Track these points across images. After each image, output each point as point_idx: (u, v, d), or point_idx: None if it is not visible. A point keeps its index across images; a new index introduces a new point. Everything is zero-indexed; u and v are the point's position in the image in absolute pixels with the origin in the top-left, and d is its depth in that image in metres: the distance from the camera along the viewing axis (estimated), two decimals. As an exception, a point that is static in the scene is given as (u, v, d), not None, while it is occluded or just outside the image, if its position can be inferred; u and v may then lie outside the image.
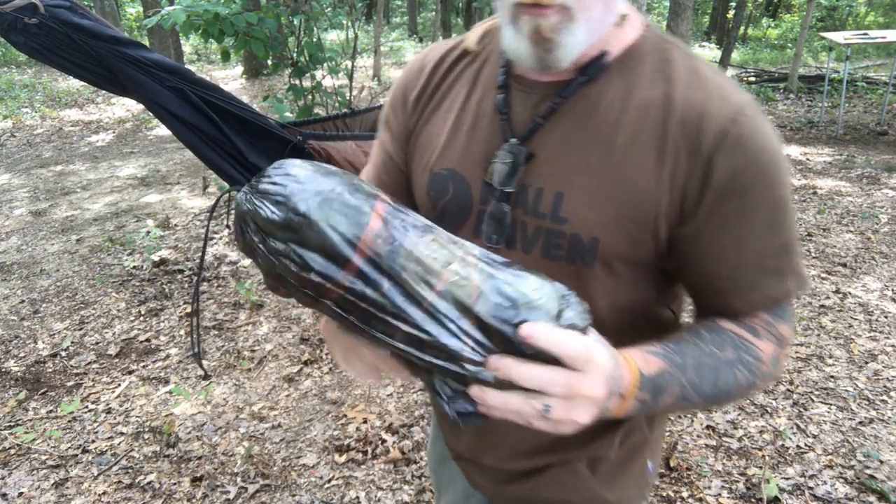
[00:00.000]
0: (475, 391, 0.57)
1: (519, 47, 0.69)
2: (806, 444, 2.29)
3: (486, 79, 0.81)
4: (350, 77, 4.27)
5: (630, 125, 0.70)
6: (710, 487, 2.11)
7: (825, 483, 2.11)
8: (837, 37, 6.79)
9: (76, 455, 2.33)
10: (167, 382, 2.74)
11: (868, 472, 2.14)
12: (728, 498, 2.06)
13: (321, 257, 0.56)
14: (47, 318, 3.31)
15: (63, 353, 2.98)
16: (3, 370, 2.86)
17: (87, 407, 2.60)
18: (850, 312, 3.16)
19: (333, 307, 0.59)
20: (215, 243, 4.16)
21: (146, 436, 2.42)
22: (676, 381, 0.67)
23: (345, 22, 4.64)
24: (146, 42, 9.90)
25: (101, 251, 4.14)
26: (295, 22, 3.86)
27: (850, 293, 3.35)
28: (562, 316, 0.57)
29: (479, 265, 0.59)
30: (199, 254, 3.99)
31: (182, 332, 3.12)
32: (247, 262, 3.80)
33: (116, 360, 2.93)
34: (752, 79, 9.46)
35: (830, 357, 2.81)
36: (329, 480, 2.19)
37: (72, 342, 3.07)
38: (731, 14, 14.32)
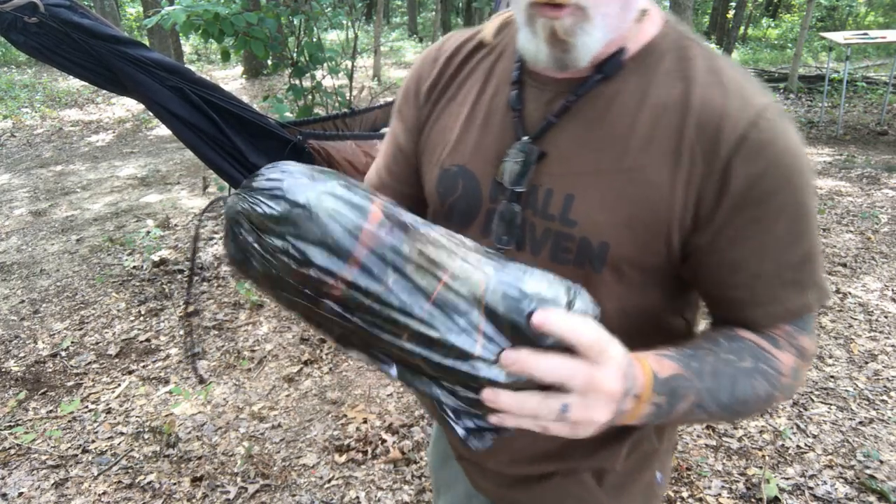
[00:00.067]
0: (488, 394, 0.54)
1: (535, 49, 0.67)
2: (806, 444, 2.29)
3: (500, 73, 0.79)
4: (350, 77, 4.27)
5: (645, 126, 0.68)
6: (710, 487, 2.11)
7: (825, 483, 2.11)
8: (837, 37, 6.78)
9: (76, 455, 2.33)
10: (167, 382, 2.74)
11: (868, 472, 2.14)
12: (728, 498, 2.06)
13: (322, 250, 0.54)
14: (47, 318, 3.31)
15: (63, 353, 2.98)
16: (3, 370, 2.86)
17: (87, 407, 2.60)
18: (850, 312, 3.16)
19: (335, 307, 0.55)
20: (215, 243, 4.16)
21: (146, 436, 2.42)
22: (692, 388, 0.64)
23: (345, 22, 4.64)
24: (146, 42, 9.90)
25: (101, 251, 4.14)
26: (295, 22, 3.86)
27: (850, 293, 3.35)
28: (573, 306, 0.55)
29: (483, 260, 0.58)
30: (199, 254, 3.99)
31: (182, 332, 3.12)
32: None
33: (116, 360, 2.93)
34: (752, 79, 9.44)
35: (830, 357, 2.81)
36: (329, 480, 2.19)
37: (72, 342, 3.07)
38: (731, 14, 14.33)
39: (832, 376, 2.67)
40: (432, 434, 1.17)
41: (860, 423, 2.39)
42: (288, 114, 3.45)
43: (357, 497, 2.11)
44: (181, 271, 3.79)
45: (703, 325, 0.83)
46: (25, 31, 2.18)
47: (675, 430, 0.96)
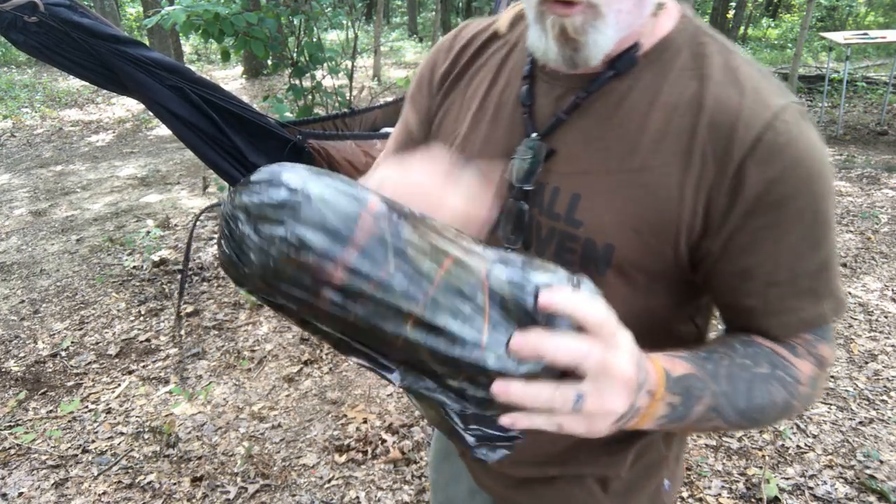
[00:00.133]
0: (498, 385, 0.51)
1: (545, 47, 0.65)
2: (806, 444, 2.29)
3: (512, 67, 0.77)
4: (350, 77, 4.27)
5: (656, 126, 0.66)
6: (710, 487, 2.11)
7: (825, 483, 2.11)
8: (837, 37, 6.78)
9: (76, 455, 2.33)
10: (167, 382, 2.74)
11: (868, 472, 2.14)
12: (728, 498, 2.06)
13: (321, 234, 0.52)
14: (47, 318, 3.31)
15: (63, 353, 2.98)
16: (3, 370, 2.86)
17: (87, 407, 2.60)
18: (850, 312, 3.16)
19: (335, 298, 0.53)
20: (215, 243, 4.16)
21: (146, 436, 2.41)
22: (707, 389, 0.61)
23: (345, 22, 4.64)
24: (146, 42, 9.89)
25: (101, 251, 4.14)
26: (295, 22, 3.86)
27: (849, 293, 3.35)
28: (579, 289, 0.54)
29: (485, 248, 0.57)
30: (199, 254, 3.99)
31: (182, 331, 3.12)
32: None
33: (116, 360, 2.93)
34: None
35: (830, 357, 2.81)
36: (329, 480, 2.19)
37: (72, 342, 3.07)
38: (731, 14, 14.33)
39: (832, 376, 2.67)
40: (435, 431, 1.16)
41: (860, 423, 2.39)
42: (288, 114, 3.45)
43: (357, 497, 2.11)
44: (181, 271, 3.79)
45: (715, 331, 0.82)
46: (25, 30, 2.18)
47: (684, 439, 0.93)
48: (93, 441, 2.40)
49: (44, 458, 2.32)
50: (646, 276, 0.69)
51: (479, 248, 0.57)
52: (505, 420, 0.52)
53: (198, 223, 4.54)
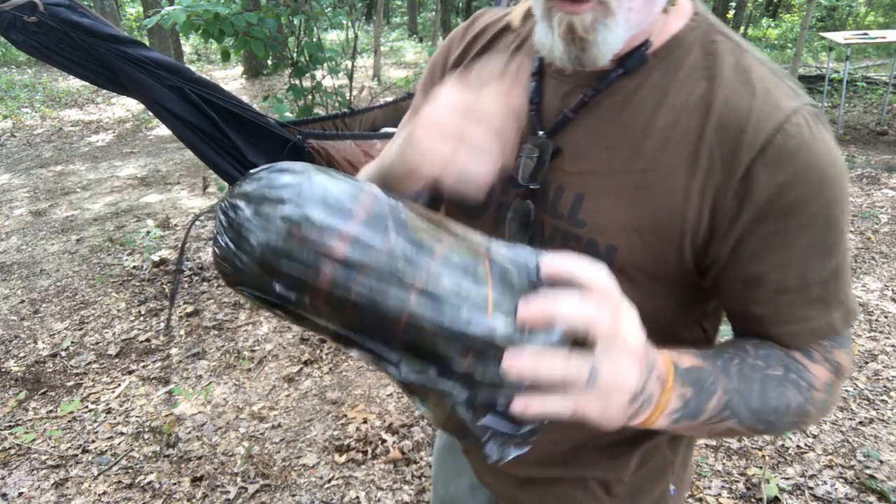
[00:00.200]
0: (509, 357, 0.48)
1: (551, 45, 0.63)
2: (806, 444, 2.29)
3: (521, 61, 0.76)
4: (350, 77, 4.27)
5: (662, 126, 0.64)
6: (710, 487, 2.11)
7: (825, 483, 2.11)
8: (837, 37, 6.78)
9: (76, 455, 2.33)
10: (167, 382, 2.74)
11: (868, 472, 2.14)
12: (728, 498, 2.06)
13: (323, 209, 0.52)
14: (47, 318, 3.31)
15: (63, 353, 2.98)
16: (3, 370, 2.86)
17: (87, 407, 2.60)
18: (851, 312, 3.16)
19: (338, 272, 0.51)
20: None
21: (146, 436, 2.41)
22: (719, 384, 0.60)
23: (345, 22, 4.64)
24: (146, 42, 9.90)
25: (101, 251, 4.14)
26: (295, 22, 3.86)
27: (850, 293, 3.35)
28: None
29: (478, 232, 0.57)
30: (199, 254, 3.99)
31: (182, 331, 3.12)
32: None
33: (116, 360, 2.93)
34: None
35: (831, 357, 2.81)
36: (329, 480, 2.18)
37: (72, 342, 3.07)
38: (731, 14, 14.33)
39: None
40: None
41: (860, 423, 2.39)
42: (288, 114, 3.46)
43: (357, 497, 2.11)
44: (181, 271, 3.79)
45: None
46: (25, 30, 2.18)
47: (691, 444, 0.91)
48: (93, 441, 2.40)
49: (44, 458, 2.32)
50: (648, 278, 0.68)
51: (474, 232, 0.57)
52: (517, 405, 0.49)
53: (197, 223, 4.54)
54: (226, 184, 2.77)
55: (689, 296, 0.71)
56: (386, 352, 0.54)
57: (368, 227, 0.52)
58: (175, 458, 2.29)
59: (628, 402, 0.52)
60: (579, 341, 0.50)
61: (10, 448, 2.37)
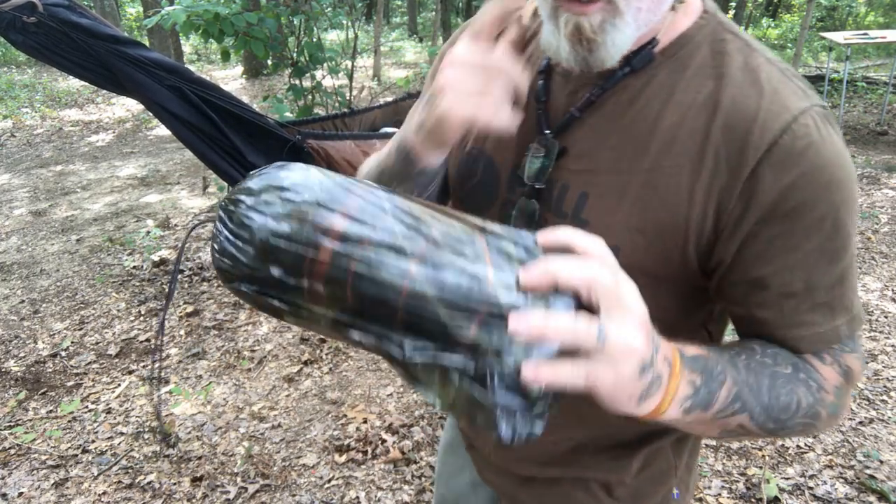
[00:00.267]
0: (515, 318, 0.47)
1: (557, 46, 0.62)
2: (806, 444, 2.29)
3: (529, 58, 0.75)
4: (350, 77, 4.27)
5: (668, 126, 0.63)
6: (710, 487, 2.11)
7: (825, 483, 2.10)
8: (837, 37, 6.78)
9: (76, 455, 2.33)
10: (167, 382, 2.74)
11: (868, 472, 2.14)
12: (728, 498, 2.06)
13: (321, 191, 0.54)
14: (47, 318, 3.31)
15: (63, 353, 2.98)
16: (3, 370, 2.86)
17: (87, 407, 2.60)
18: (851, 312, 3.16)
19: (337, 248, 0.52)
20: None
21: (146, 436, 2.41)
22: (728, 374, 0.58)
23: (345, 22, 4.64)
24: (146, 42, 9.90)
25: (101, 251, 4.14)
26: (295, 22, 3.86)
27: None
28: None
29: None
30: (199, 254, 3.99)
31: (182, 331, 3.12)
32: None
33: (116, 360, 2.93)
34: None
35: (830, 357, 2.81)
36: (329, 480, 2.18)
37: (72, 342, 3.07)
38: (731, 14, 14.33)
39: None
40: (446, 421, 1.16)
41: (860, 423, 2.39)
42: (288, 114, 3.46)
43: (357, 497, 2.11)
44: (181, 271, 3.79)
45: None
46: (24, 30, 2.18)
47: (696, 449, 0.90)
48: (93, 441, 2.40)
49: (44, 458, 2.32)
50: (652, 279, 0.66)
51: (470, 216, 0.58)
52: (528, 371, 0.48)
53: (197, 223, 4.54)
54: (225, 184, 2.77)
55: (694, 298, 0.70)
56: (388, 332, 0.53)
57: (367, 204, 0.54)
58: (175, 458, 2.29)
59: (638, 373, 0.50)
60: (583, 307, 0.49)
61: (10, 448, 2.37)
